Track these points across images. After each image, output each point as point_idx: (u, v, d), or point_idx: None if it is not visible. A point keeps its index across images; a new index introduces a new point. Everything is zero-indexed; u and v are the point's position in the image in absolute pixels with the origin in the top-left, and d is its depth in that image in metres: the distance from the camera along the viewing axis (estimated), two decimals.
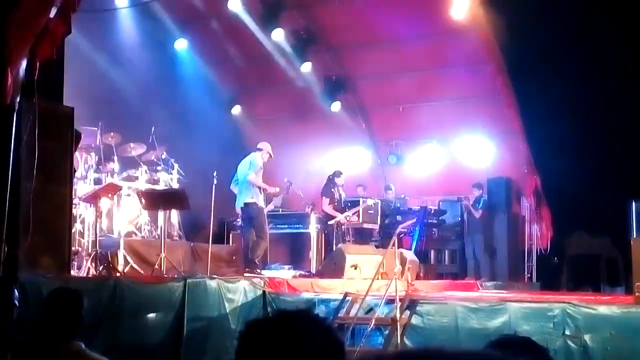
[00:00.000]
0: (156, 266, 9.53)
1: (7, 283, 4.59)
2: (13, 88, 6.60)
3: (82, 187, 10.63)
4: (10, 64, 6.57)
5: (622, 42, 11.73)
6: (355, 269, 10.93)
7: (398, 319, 8.25)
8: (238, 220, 13.03)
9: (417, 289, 10.38)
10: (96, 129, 11.74)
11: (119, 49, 14.12)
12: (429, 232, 14.53)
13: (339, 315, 8.88)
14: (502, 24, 12.03)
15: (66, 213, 8.14)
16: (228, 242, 13.76)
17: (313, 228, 12.94)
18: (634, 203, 9.38)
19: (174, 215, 11.86)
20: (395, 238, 9.06)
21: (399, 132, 16.22)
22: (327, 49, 15.73)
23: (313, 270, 12.34)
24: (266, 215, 11.47)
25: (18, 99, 6.83)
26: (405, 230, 12.99)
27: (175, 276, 9.06)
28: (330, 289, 9.99)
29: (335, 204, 12.87)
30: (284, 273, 11.43)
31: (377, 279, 9.44)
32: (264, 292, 9.34)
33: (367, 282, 9.37)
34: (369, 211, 13.25)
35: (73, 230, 9.23)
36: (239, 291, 9.04)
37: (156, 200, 10.44)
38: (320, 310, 8.96)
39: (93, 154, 11.43)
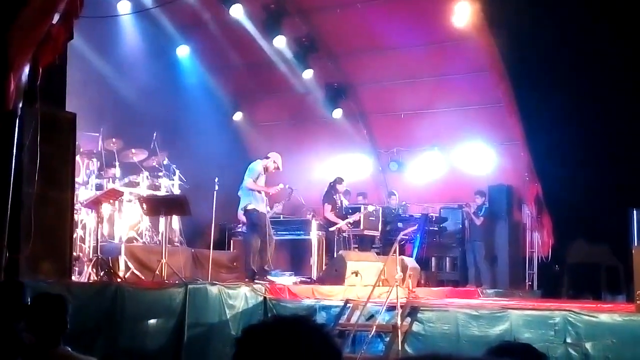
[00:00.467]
0: (157, 272, 9.52)
1: (18, 286, 4.59)
2: (15, 94, 6.62)
3: (83, 193, 10.64)
4: (12, 70, 6.60)
5: (625, 49, 11.73)
6: (356, 275, 10.93)
7: (399, 326, 8.24)
8: (239, 226, 13.04)
9: (418, 296, 10.38)
10: (98, 134, 11.76)
11: (121, 55, 14.15)
12: (430, 239, 14.52)
13: (340, 322, 8.88)
14: (503, 31, 12.05)
15: (67, 219, 8.15)
16: (229, 249, 13.76)
17: (314, 234, 12.94)
18: (634, 211, 9.37)
19: (175, 221, 11.86)
20: (396, 245, 9.05)
21: (400, 140, 16.23)
22: (329, 56, 15.75)
23: (314, 277, 12.33)
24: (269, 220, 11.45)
25: (20, 105, 6.85)
26: (407, 237, 12.99)
27: (176, 282, 9.05)
28: (331, 296, 9.99)
29: (337, 210, 12.87)
30: (285, 279, 11.42)
31: (378, 285, 9.44)
32: (264, 298, 9.34)
33: (368, 288, 9.37)
34: (370, 218, 13.25)
35: (74, 236, 9.22)
36: (239, 297, 9.04)
37: (157, 206, 10.44)
38: (321, 317, 8.96)
39: (95, 159, 11.43)
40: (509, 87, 13.41)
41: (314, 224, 13.03)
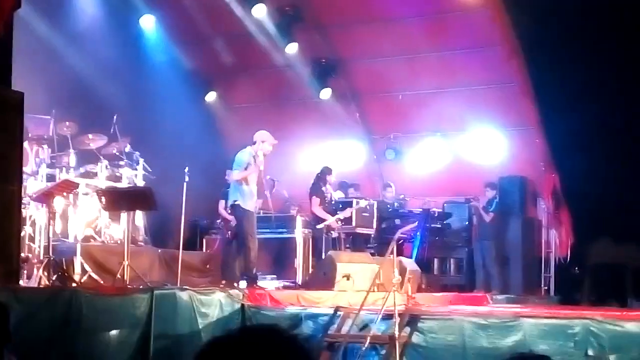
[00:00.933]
0: (118, 275, 9.50)
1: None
2: None
3: (32, 185, 10.59)
4: None
5: None
6: (348, 279, 10.95)
7: (397, 336, 8.25)
8: (219, 222, 13.07)
9: (418, 303, 10.41)
10: (49, 117, 11.70)
11: (76, 27, 14.07)
12: (432, 238, 14.57)
13: (329, 332, 8.89)
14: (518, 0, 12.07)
15: (14, 214, 8.11)
16: (201, 248, 13.75)
17: (299, 233, 12.95)
18: None
19: (139, 217, 11.84)
20: (393, 244, 9.06)
21: (397, 124, 16.25)
22: (317, 27, 15.73)
23: (299, 281, 12.35)
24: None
25: None
26: (405, 235, 13.01)
27: (141, 287, 9.04)
28: (318, 303, 10.01)
29: (326, 205, 12.87)
30: (266, 283, 11.44)
31: (373, 291, 9.45)
32: (242, 305, 9.34)
33: (361, 294, 9.38)
34: (364, 213, 13.26)
35: (22, 234, 9.18)
36: (213, 305, 9.04)
37: (118, 199, 10.41)
38: (308, 327, 8.98)
39: (45, 146, 11.38)
40: (523, 63, 13.45)
41: (299, 221, 13.03)
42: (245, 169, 11.00)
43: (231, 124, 16.47)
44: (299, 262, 12.76)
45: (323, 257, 12.22)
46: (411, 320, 8.67)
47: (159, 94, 15.23)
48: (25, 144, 9.83)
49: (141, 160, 12.27)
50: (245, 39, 15.40)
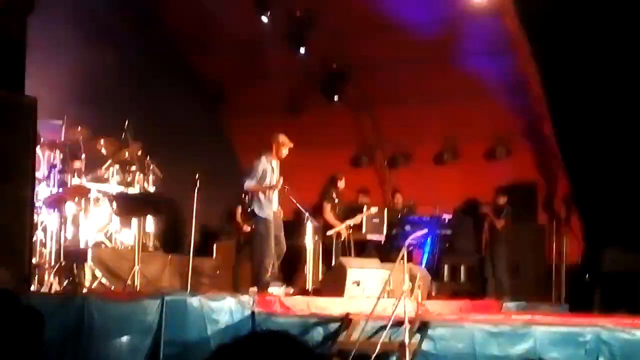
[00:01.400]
0: (129, 281, 9.53)
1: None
2: None
3: (44, 190, 10.62)
4: None
5: None
6: (358, 285, 10.93)
7: (407, 344, 8.24)
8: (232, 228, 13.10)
9: (428, 310, 10.38)
10: (61, 122, 11.72)
11: (89, 32, 14.10)
12: (442, 245, 14.53)
13: (339, 339, 8.88)
14: (531, 4, 12.03)
15: (26, 219, 8.14)
16: (211, 255, 13.75)
17: (309, 239, 12.93)
18: None
19: (150, 222, 11.85)
20: (404, 251, 9.05)
21: (408, 130, 16.22)
22: (327, 34, 15.73)
23: (309, 288, 12.33)
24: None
25: None
26: (415, 242, 12.97)
27: (151, 293, 9.05)
28: (329, 309, 9.98)
29: (336, 211, 12.87)
30: (276, 290, 11.42)
31: (383, 297, 9.43)
32: (252, 312, 9.33)
33: (371, 301, 9.37)
34: (374, 220, 13.25)
35: (34, 239, 9.21)
36: (224, 311, 9.03)
37: (130, 205, 10.44)
38: (318, 334, 8.97)
39: (57, 151, 11.40)
40: (536, 69, 13.41)
41: (309, 227, 13.02)
42: (259, 178, 11.02)
43: (241, 129, 16.48)
44: (309, 268, 12.75)
45: (333, 263, 12.20)
46: (421, 327, 8.66)
47: (171, 99, 15.25)
48: (37, 149, 9.86)
49: (152, 166, 12.30)
50: (256, 46, 15.42)
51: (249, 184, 11.12)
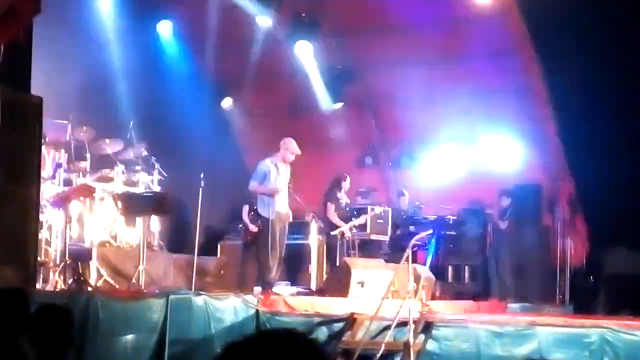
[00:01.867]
0: (134, 280, 9.55)
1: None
2: None
3: (49, 189, 10.65)
4: None
5: None
6: (362, 286, 10.95)
7: (411, 344, 8.26)
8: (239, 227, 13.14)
9: (432, 310, 10.39)
10: (66, 122, 11.76)
11: (94, 33, 14.13)
12: (446, 246, 14.52)
13: (343, 339, 8.90)
14: (535, 6, 12.04)
15: (32, 218, 8.17)
16: (216, 254, 13.77)
17: (314, 239, 12.96)
18: None
19: (155, 222, 11.88)
20: (408, 251, 9.07)
21: (413, 131, 16.22)
22: (333, 34, 15.75)
23: (313, 287, 12.35)
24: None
25: None
26: (420, 242, 12.98)
27: (156, 292, 9.07)
28: (333, 309, 10.00)
29: (340, 211, 12.89)
30: (281, 290, 11.45)
31: (387, 298, 9.45)
32: (257, 311, 9.35)
33: (376, 301, 9.38)
34: (378, 220, 13.26)
35: (39, 238, 9.24)
36: (228, 310, 9.06)
37: (134, 204, 10.46)
38: (322, 333, 8.99)
39: (62, 150, 11.44)
40: (540, 71, 13.41)
41: (314, 227, 13.04)
42: (263, 180, 11.10)
43: (247, 129, 16.50)
44: (313, 268, 12.78)
45: (337, 263, 12.22)
46: (426, 327, 8.67)
47: (175, 99, 15.27)
48: (43, 149, 9.89)
49: (157, 166, 12.33)
50: (261, 46, 15.43)
51: (252, 185, 11.23)
